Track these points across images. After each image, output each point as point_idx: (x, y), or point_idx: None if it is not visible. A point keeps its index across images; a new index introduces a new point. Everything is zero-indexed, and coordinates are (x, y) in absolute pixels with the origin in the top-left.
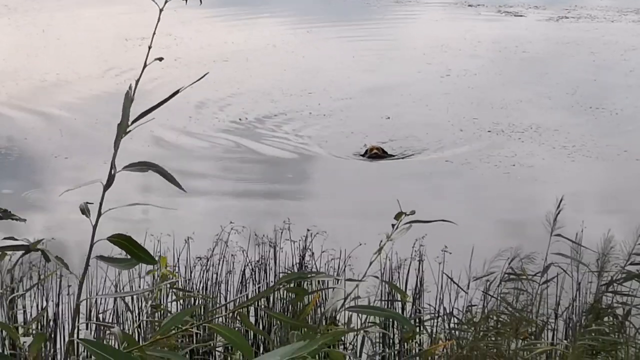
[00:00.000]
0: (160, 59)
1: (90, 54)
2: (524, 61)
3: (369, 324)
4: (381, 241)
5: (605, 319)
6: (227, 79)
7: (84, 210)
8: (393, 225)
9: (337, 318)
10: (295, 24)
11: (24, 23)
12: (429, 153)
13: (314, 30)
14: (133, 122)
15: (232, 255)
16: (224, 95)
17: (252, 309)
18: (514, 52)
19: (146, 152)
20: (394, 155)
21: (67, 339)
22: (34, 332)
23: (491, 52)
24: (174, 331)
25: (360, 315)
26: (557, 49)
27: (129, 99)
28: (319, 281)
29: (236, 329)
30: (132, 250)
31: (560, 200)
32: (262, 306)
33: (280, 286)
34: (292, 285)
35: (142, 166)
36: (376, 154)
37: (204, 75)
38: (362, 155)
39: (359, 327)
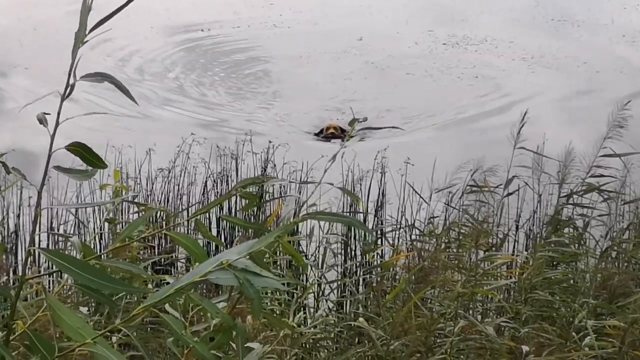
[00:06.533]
0: None
1: None
2: None
3: (331, 234)
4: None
5: (565, 230)
6: None
7: (42, 120)
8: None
9: (299, 229)
10: None
11: None
12: (387, 63)
13: None
14: (90, 30)
15: (193, 167)
16: (184, 6)
17: (214, 222)
18: None
19: (105, 64)
20: (351, 135)
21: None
22: None
23: None
24: (133, 239)
25: (321, 226)
26: None
27: (86, 7)
28: (281, 192)
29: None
30: (85, 156)
31: (525, 114)
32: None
33: (236, 192)
34: (248, 190)
35: (98, 77)
36: (333, 133)
37: None
38: (317, 135)
39: (320, 238)
